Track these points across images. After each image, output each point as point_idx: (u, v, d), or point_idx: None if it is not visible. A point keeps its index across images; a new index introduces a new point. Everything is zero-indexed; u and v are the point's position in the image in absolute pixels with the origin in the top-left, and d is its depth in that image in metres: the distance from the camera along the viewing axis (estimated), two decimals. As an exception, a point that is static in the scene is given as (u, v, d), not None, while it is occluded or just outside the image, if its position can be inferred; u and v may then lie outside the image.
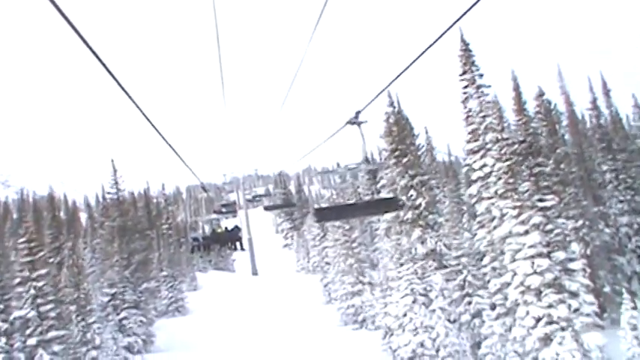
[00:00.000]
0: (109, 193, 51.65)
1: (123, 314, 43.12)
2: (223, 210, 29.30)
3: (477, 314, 33.35)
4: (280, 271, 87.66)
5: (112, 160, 51.72)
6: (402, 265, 34.85)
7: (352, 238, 46.08)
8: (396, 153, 41.88)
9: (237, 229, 28.78)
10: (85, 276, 38.56)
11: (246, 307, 60.98)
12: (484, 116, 34.64)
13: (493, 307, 31.67)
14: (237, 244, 28.97)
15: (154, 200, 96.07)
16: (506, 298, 30.99)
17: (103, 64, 5.65)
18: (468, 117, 35.68)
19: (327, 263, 64.76)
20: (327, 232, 76.04)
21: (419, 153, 42.42)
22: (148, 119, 7.68)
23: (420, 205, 39.72)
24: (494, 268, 32.23)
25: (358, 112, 11.21)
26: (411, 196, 40.33)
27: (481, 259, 34.16)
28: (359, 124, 11.53)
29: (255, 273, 78.42)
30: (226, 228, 28.88)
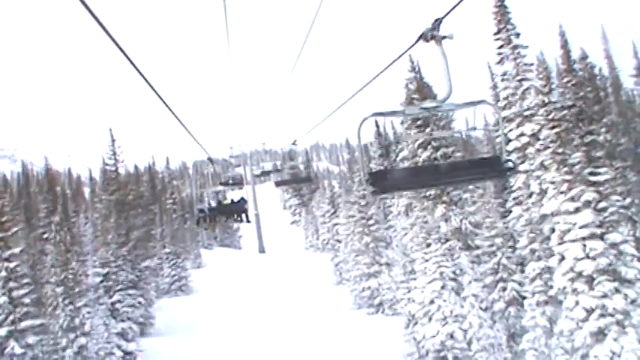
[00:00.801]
0: (106, 164, 47.47)
1: (116, 297, 39.12)
2: (230, 182, 29.54)
3: (512, 302, 29.28)
4: (288, 249, 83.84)
5: (110, 130, 47.60)
6: (428, 245, 30.67)
7: (369, 215, 41.93)
8: (418, 122, 37.75)
9: (243, 200, 27.57)
10: (76, 254, 34.53)
11: (253, 287, 57.18)
12: (521, 80, 30.41)
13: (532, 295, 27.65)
14: (243, 215, 27.97)
15: (160, 175, 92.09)
16: (546, 285, 26.96)
17: (109, 34, 5.37)
18: (502, 80, 31.47)
19: (338, 241, 61.07)
20: (337, 208, 72.25)
21: (442, 123, 38.15)
22: (153, 88, 7.32)
23: (445, 179, 35.62)
24: (532, 251, 28.14)
25: (439, 21, 6.60)
26: (434, 169, 36.20)
27: (516, 240, 30.18)
28: (441, 39, 6.82)
29: (262, 250, 74.75)
30: (232, 200, 27.91)
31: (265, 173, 78.86)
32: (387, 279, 40.06)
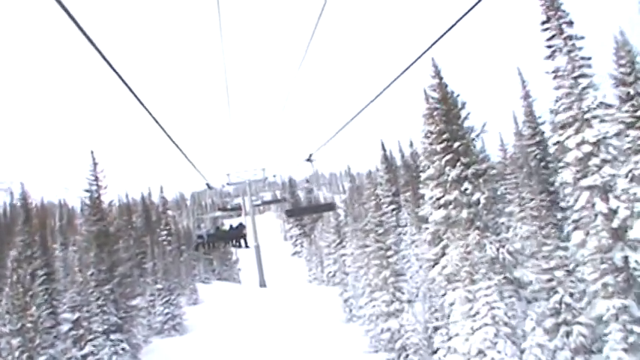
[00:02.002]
0: (87, 191, 41.28)
1: (88, 348, 32.71)
2: (228, 207, 28.39)
3: (579, 350, 23.00)
4: (290, 282, 77.34)
5: (92, 152, 41.56)
6: (473, 281, 24.47)
7: (387, 245, 35.67)
8: (444, 136, 31.98)
9: (241, 226, 26.29)
10: (39, 296, 28.41)
11: (254, 325, 50.73)
12: (578, 76, 24.62)
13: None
14: (242, 241, 26.94)
15: (158, 207, 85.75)
16: (625, 328, 20.85)
17: (110, 64, 5.70)
18: (555, 78, 25.64)
19: (346, 273, 54.92)
20: (344, 238, 66.06)
21: (472, 137, 32.25)
22: (153, 116, 7.53)
23: (479, 201, 29.87)
24: (605, 285, 22.04)
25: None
26: (466, 190, 30.50)
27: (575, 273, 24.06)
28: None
29: (263, 284, 68.14)
30: (231, 225, 26.93)
31: (266, 203, 72.53)
32: (411, 319, 33.69)
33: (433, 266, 34.97)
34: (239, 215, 29.39)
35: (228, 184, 59.42)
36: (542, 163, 37.39)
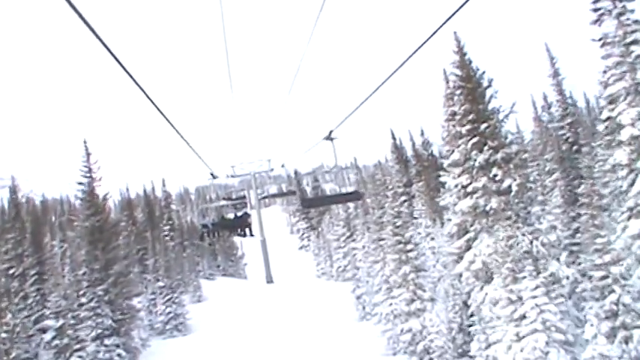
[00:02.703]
0: (80, 184, 38.01)
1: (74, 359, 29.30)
2: (233, 196, 29.01)
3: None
4: (298, 278, 73.93)
5: (85, 142, 38.28)
6: (515, 279, 21.06)
7: (406, 238, 32.26)
8: (470, 117, 28.62)
9: (246, 214, 27.01)
10: (28, 297, 25.27)
11: (261, 324, 47.53)
12: (630, 43, 21.22)
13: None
14: (247, 230, 27.09)
15: (160, 202, 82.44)
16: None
17: (110, 52, 5.53)
18: (603, 46, 22.24)
19: (357, 268, 51.71)
20: (354, 231, 62.76)
21: (500, 118, 28.86)
22: (151, 99, 7.25)
23: (510, 189, 26.58)
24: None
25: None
26: (495, 176, 27.19)
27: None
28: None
29: (270, 280, 64.98)
30: (235, 214, 27.62)
31: (273, 196, 69.07)
32: (435, 319, 30.29)
33: (457, 261, 31.77)
34: (244, 206, 27.09)
35: (232, 176, 56.16)
36: (575, 147, 33.94)
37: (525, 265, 20.96)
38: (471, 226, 28.59)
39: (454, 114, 30.43)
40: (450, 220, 32.60)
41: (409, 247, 32.03)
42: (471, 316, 30.64)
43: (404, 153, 69.36)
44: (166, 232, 71.50)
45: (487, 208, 27.60)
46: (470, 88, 29.06)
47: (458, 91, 29.69)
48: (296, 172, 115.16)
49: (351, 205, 67.24)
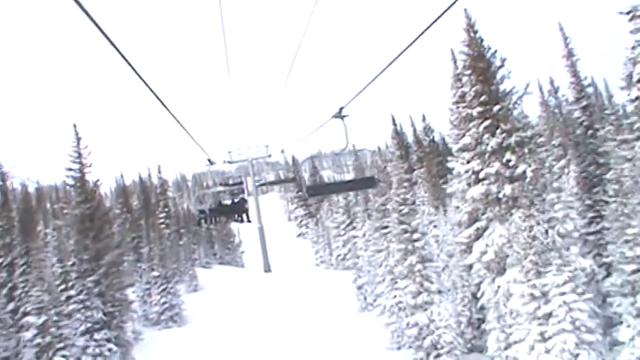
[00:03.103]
0: (69, 169, 36.10)
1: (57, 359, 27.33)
2: (230, 182, 29.61)
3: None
4: (296, 266, 72.21)
5: (75, 126, 36.29)
6: (538, 273, 19.27)
7: (413, 227, 30.38)
8: (482, 98, 26.83)
9: (243, 200, 27.32)
10: (16, 288, 23.41)
11: (258, 315, 45.84)
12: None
13: None
14: (244, 215, 27.60)
15: (156, 189, 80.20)
16: None
17: (106, 35, 5.49)
18: (632, 19, 20.39)
19: (357, 257, 50.00)
20: (354, 218, 61.00)
21: (514, 99, 27.03)
22: (151, 88, 7.31)
23: (525, 174, 24.87)
24: None
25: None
26: (509, 162, 25.42)
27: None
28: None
29: (267, 269, 63.11)
30: (233, 200, 27.49)
31: (272, 183, 67.06)
32: (444, 313, 28.49)
33: (466, 251, 30.03)
34: (241, 192, 26.55)
35: (229, 162, 54.16)
36: (590, 131, 32.05)
37: (549, 257, 19.05)
38: (483, 214, 26.85)
39: (463, 96, 28.66)
40: (457, 207, 30.87)
41: (415, 236, 30.19)
42: (481, 309, 28.98)
43: (404, 139, 67.52)
44: (162, 220, 69.60)
45: (500, 195, 25.87)
46: (481, 68, 27.31)
47: (468, 72, 27.93)
48: (294, 159, 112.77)
49: (351, 192, 65.47)
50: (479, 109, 26.76)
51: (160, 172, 74.32)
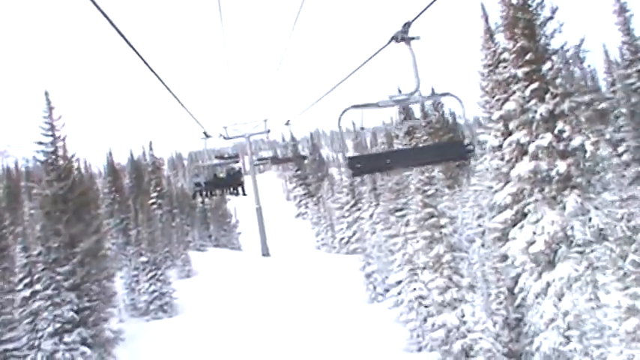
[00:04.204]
0: (40, 143, 31.01)
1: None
2: (225, 155, 28.87)
3: None
4: (296, 249, 67.35)
5: (47, 94, 31.15)
6: (622, 271, 14.36)
7: (440, 211, 25.46)
8: (528, 56, 21.99)
9: (238, 173, 26.17)
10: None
11: (256, 304, 41.16)
12: None
13: None
14: (240, 188, 26.16)
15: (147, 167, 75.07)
16: None
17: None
18: None
19: (363, 240, 45.35)
20: (360, 199, 56.19)
21: (565, 60, 22.19)
22: (143, 59, 7.10)
23: (583, 148, 20.09)
24: None
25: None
26: (561, 132, 20.62)
27: None
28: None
29: (266, 253, 58.25)
30: (228, 172, 26.43)
31: (279, 161, 62.08)
32: (480, 314, 23.57)
33: (500, 238, 25.22)
34: (237, 162, 24.34)
35: (225, 137, 49.13)
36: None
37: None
38: (530, 195, 22.00)
39: (500, 55, 23.77)
40: (490, 188, 26.07)
41: (443, 221, 25.27)
42: (518, 307, 24.33)
43: (411, 114, 62.60)
44: (154, 200, 64.76)
45: (552, 173, 21.01)
46: (527, 20, 22.30)
47: (509, 26, 22.97)
48: (292, 137, 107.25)
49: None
50: (525, 68, 21.85)
51: (151, 148, 69.00)
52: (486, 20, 27.91)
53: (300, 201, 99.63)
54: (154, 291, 44.02)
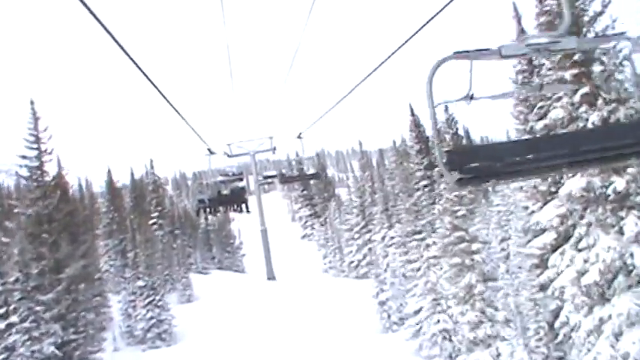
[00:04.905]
0: (24, 157, 27.92)
1: None
2: (230, 174, 28.66)
3: None
4: (303, 273, 63.91)
5: (32, 102, 28.15)
6: None
7: (472, 235, 22.17)
8: (576, 57, 19.03)
9: (242, 190, 25.87)
10: None
11: (261, 332, 37.93)
12: None
13: None
14: (243, 205, 26.41)
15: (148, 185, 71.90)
16: None
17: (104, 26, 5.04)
18: None
19: (378, 265, 42.02)
20: (370, 220, 52.98)
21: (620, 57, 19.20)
22: (154, 83, 6.90)
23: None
24: None
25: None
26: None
27: None
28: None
29: (271, 277, 54.86)
30: (232, 190, 25.85)
31: (291, 180, 59.42)
32: (521, 353, 20.21)
33: (538, 265, 22.04)
34: (241, 179, 22.40)
35: (229, 155, 46.16)
36: None
37: None
38: (581, 218, 18.78)
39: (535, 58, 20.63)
40: (525, 208, 22.90)
41: (475, 246, 21.99)
42: (559, 343, 21.10)
43: (424, 132, 59.63)
44: (154, 220, 61.63)
45: (607, 191, 17.82)
46: (573, 16, 19.22)
47: (551, 22, 19.93)
48: (297, 156, 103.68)
49: (367, 188, 57.15)
50: (573, 70, 18.74)
51: (152, 166, 65.90)
52: (519, 21, 24.80)
53: (306, 222, 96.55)
54: (152, 317, 40.99)
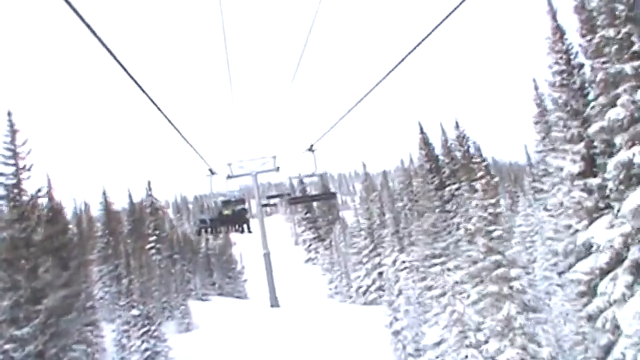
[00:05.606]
0: (1, 174, 24.81)
1: None
2: (232, 200, 26.06)
3: None
4: (308, 299, 60.48)
5: (9, 113, 25.14)
6: None
7: (510, 259, 18.85)
8: (636, 47, 15.97)
9: (244, 210, 25.46)
10: None
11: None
12: None
13: None
14: (245, 226, 25.51)
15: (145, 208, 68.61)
16: None
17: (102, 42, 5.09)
18: None
19: (380, 289, 38.80)
20: (380, 243, 49.67)
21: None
22: (154, 101, 6.88)
23: None
24: None
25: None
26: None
27: None
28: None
29: (275, 304, 51.43)
30: (233, 210, 24.99)
31: (302, 200, 57.58)
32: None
33: (585, 293, 18.83)
34: (241, 203, 19.65)
35: (229, 176, 43.17)
36: None
37: None
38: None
39: (604, 41, 17.46)
40: (569, 227, 19.73)
41: (514, 272, 18.71)
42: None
43: (433, 150, 56.47)
44: (152, 245, 58.39)
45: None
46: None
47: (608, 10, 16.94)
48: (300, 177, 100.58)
49: (375, 210, 53.73)
50: (633, 63, 15.69)
51: (150, 188, 62.72)
52: (554, 17, 21.74)
53: (310, 245, 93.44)
54: (147, 349, 37.71)
